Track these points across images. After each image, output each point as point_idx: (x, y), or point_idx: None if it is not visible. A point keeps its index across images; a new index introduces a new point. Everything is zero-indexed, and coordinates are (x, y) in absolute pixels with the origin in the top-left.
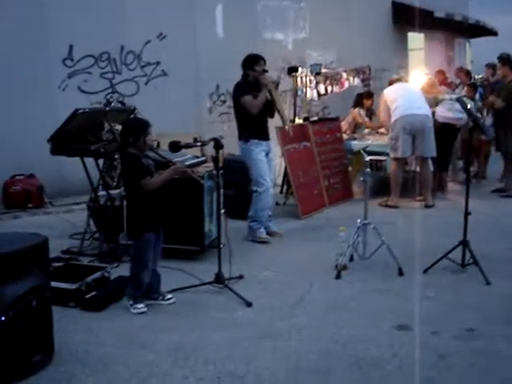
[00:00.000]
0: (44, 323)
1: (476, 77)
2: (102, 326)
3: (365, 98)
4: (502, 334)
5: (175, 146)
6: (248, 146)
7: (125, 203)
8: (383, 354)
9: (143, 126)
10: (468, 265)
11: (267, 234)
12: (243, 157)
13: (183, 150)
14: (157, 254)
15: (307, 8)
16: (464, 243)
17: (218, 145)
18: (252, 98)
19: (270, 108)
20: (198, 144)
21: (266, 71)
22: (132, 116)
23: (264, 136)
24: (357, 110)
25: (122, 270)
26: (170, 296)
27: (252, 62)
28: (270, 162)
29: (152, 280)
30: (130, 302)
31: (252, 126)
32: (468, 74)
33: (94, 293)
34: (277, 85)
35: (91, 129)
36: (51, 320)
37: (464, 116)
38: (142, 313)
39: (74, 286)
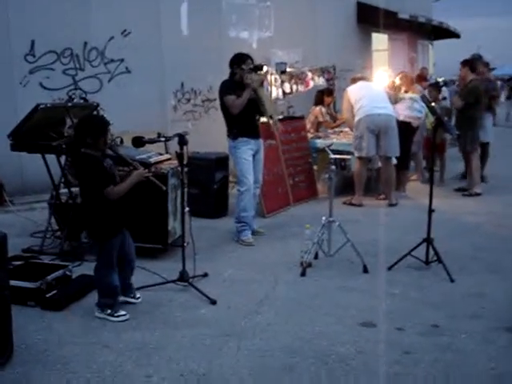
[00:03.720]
0: (2, 322)
1: (438, 79)
2: (63, 325)
3: (325, 96)
4: (466, 329)
5: (139, 142)
6: (235, 143)
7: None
8: (348, 350)
9: (104, 125)
10: (432, 262)
11: None
12: (230, 154)
13: (147, 147)
14: (132, 253)
15: (272, 7)
16: (428, 240)
17: (182, 141)
18: (235, 98)
19: (257, 107)
20: (162, 139)
21: (252, 70)
22: (95, 113)
23: (253, 134)
24: (318, 108)
25: (84, 268)
26: (138, 295)
27: (239, 60)
28: (257, 163)
29: (127, 277)
30: (108, 312)
31: (240, 124)
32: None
33: (54, 292)
34: (262, 82)
35: (53, 125)
36: (10, 319)
37: (422, 115)
38: (126, 320)
39: (34, 285)
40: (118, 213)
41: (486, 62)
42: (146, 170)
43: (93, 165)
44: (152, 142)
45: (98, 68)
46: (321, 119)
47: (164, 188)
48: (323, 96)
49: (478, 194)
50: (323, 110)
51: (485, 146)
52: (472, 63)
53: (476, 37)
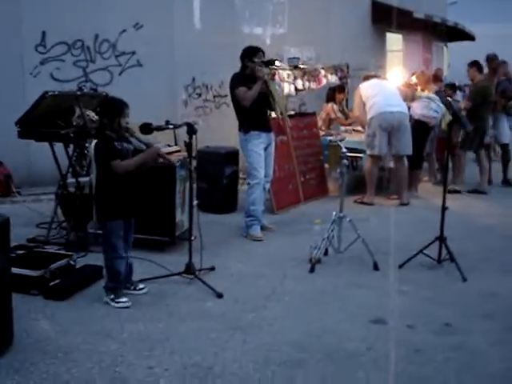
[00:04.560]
0: (2, 308)
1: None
2: (66, 314)
3: (337, 92)
4: (478, 329)
5: (147, 128)
6: (247, 137)
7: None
8: (357, 347)
9: (119, 107)
10: (444, 261)
11: None
12: (241, 148)
13: (155, 137)
14: (128, 244)
15: (287, 3)
16: (441, 239)
17: (191, 130)
18: (246, 90)
19: (268, 100)
20: (170, 127)
21: (265, 63)
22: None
23: (264, 128)
24: (330, 105)
25: (89, 259)
26: (142, 286)
27: (251, 53)
28: (268, 157)
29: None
30: (111, 297)
31: (251, 118)
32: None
33: (58, 281)
34: (273, 76)
35: (61, 113)
36: (10, 305)
37: (438, 115)
38: (127, 307)
39: (37, 273)
40: (121, 196)
41: (503, 61)
42: (158, 148)
43: (103, 142)
44: (160, 129)
45: (108, 60)
46: (333, 116)
47: (175, 164)
48: (335, 93)
49: (456, 191)
50: (335, 107)
51: (504, 148)
52: (479, 64)
53: (491, 42)
